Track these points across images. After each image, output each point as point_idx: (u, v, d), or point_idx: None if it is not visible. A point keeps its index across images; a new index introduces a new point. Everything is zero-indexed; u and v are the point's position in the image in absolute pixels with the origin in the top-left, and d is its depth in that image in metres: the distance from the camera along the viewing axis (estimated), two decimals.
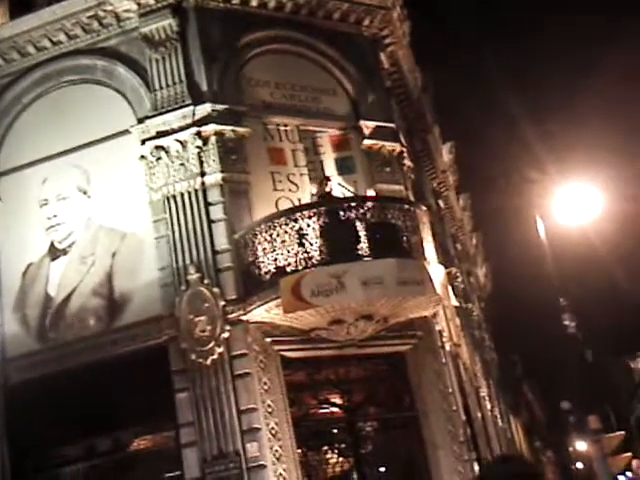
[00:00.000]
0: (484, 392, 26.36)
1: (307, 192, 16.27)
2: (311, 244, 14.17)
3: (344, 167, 16.89)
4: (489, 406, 27.17)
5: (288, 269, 14.19)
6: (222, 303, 14.67)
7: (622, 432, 17.99)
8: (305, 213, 14.51)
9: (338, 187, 16.23)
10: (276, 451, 14.10)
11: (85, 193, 16.55)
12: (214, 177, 15.47)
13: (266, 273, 14.46)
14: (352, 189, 16.28)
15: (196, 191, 15.44)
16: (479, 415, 22.09)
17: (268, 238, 14.49)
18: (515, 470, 4.09)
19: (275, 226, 14.47)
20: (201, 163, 15.54)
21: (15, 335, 16.10)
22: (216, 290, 14.77)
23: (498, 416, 30.78)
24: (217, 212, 15.36)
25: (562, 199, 16.56)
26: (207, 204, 15.39)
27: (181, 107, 15.88)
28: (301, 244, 14.22)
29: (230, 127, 15.85)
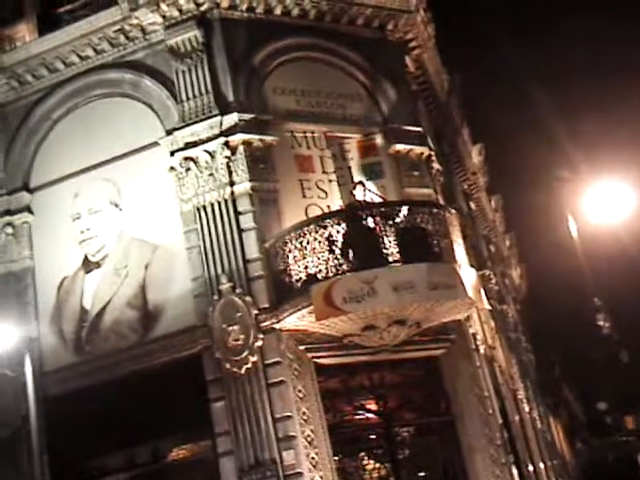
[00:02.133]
0: (521, 394, 26.18)
1: (336, 199, 16.28)
2: (341, 250, 14.17)
3: (372, 172, 16.87)
4: (527, 408, 26.99)
5: (319, 276, 14.18)
6: (255, 312, 14.71)
7: None
8: (334, 220, 14.52)
9: (368, 192, 16.18)
10: (312, 458, 14.10)
11: (117, 206, 16.71)
12: (243, 186, 15.54)
13: (297, 281, 14.47)
14: (381, 194, 16.23)
15: (226, 201, 15.51)
16: (517, 418, 21.94)
17: (298, 246, 14.51)
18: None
19: (305, 233, 14.48)
20: (230, 173, 15.62)
21: (52, 348, 16.27)
22: (248, 299, 14.82)
23: (537, 418, 30.57)
24: (247, 221, 15.42)
25: (594, 198, 16.40)
26: (237, 213, 15.46)
27: (208, 118, 15.99)
28: (331, 251, 14.22)
29: (257, 136, 15.92)
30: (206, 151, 15.77)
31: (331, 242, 14.23)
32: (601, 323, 16.87)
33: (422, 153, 17.56)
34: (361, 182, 15.98)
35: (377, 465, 15.39)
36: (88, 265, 16.59)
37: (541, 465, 24.93)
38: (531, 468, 21.41)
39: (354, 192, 15.72)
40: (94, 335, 16.07)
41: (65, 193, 17.05)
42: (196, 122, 16.03)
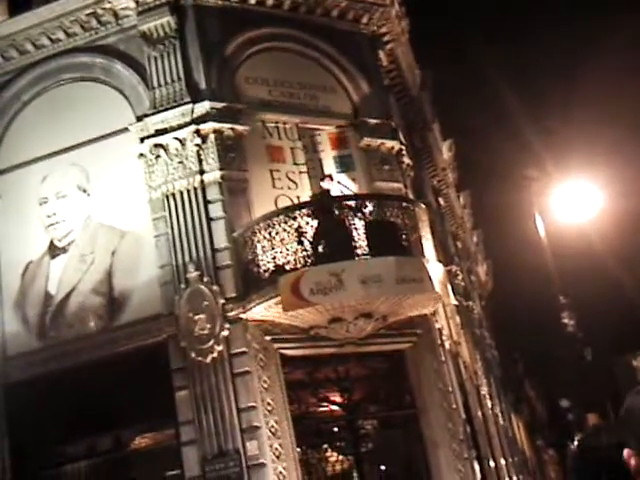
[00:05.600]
0: (485, 390, 26.34)
1: (306, 190, 16.26)
2: (310, 242, 14.16)
3: (343, 165, 16.88)
4: (490, 404, 27.15)
5: (287, 267, 14.18)
6: (222, 301, 14.65)
7: None
8: (304, 211, 14.51)
9: (338, 185, 16.19)
10: (276, 449, 14.08)
11: (84, 191, 16.54)
12: (213, 175, 15.46)
13: (265, 271, 14.45)
14: (352, 187, 16.24)
15: (195, 189, 15.42)
16: (480, 413, 22.08)
17: (267, 236, 14.47)
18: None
19: (274, 224, 14.46)
20: (200, 161, 15.53)
21: (15, 334, 16.09)
22: (215, 288, 14.76)
23: (499, 414, 30.77)
24: (216, 210, 15.34)
25: (561, 197, 16.56)
26: (206, 202, 15.38)
27: (180, 105, 15.87)
28: (300, 242, 14.20)
29: (229, 125, 15.84)
30: (176, 138, 15.66)
31: (300, 233, 14.22)
32: (566, 321, 17.03)
33: (393, 147, 17.58)
34: (330, 175, 15.98)
35: (340, 457, 15.43)
36: (54, 250, 16.41)
37: (502, 461, 25.11)
38: (492, 464, 21.56)
39: (322, 184, 15.70)
40: (58, 321, 15.92)
41: (32, 177, 16.85)
42: (167, 109, 15.91)
